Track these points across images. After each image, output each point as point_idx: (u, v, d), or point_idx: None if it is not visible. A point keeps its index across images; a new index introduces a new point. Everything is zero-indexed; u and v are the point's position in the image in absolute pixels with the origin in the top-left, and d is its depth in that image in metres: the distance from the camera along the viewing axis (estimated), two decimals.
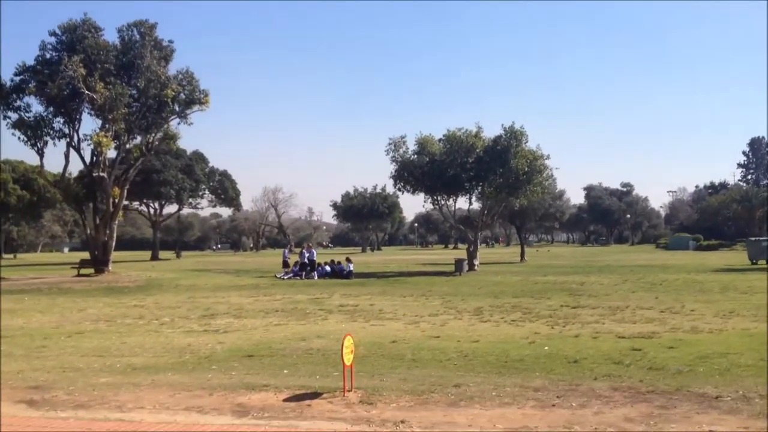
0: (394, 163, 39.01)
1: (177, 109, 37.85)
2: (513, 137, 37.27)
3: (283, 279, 34.01)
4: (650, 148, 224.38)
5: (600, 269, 38.84)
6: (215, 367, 10.19)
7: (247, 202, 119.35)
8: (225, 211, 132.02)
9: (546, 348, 11.48)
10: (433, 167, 37.76)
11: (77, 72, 33.51)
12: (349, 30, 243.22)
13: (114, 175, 37.84)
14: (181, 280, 33.40)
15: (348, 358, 7.68)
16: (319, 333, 13.84)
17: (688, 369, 9.46)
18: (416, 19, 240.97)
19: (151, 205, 74.70)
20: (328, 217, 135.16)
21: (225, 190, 76.24)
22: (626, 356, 10.53)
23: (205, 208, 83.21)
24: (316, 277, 34.18)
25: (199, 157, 74.79)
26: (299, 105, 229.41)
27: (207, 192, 76.86)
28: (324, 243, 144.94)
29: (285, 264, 38.73)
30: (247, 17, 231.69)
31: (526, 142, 37.93)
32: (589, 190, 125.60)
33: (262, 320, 16.46)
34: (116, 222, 38.75)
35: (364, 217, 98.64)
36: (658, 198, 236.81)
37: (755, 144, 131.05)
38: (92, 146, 35.95)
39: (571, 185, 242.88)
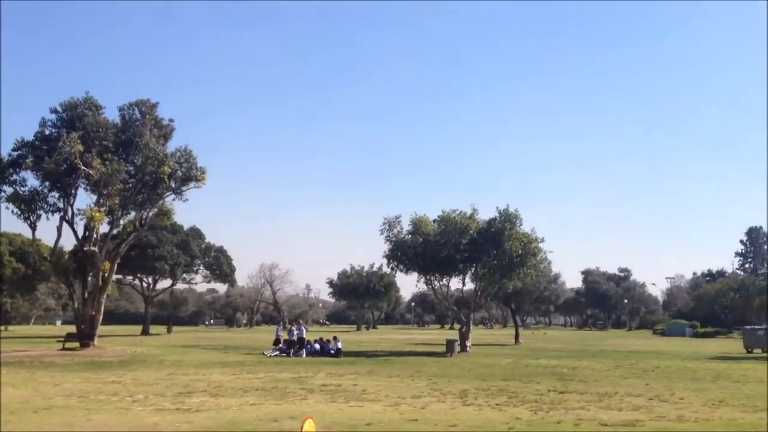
0: (388, 243, 39.00)
1: (173, 185, 38.14)
2: (507, 220, 37.43)
3: (270, 356, 33.54)
4: (649, 234, 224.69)
5: (594, 354, 38.28)
6: None
7: (242, 278, 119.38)
8: (221, 287, 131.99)
9: None
10: (426, 248, 37.74)
11: (74, 148, 33.91)
12: (348, 106, 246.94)
13: (105, 250, 37.70)
14: (167, 356, 32.83)
15: None
16: (293, 414, 13.43)
17: None
18: (418, 98, 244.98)
19: (145, 279, 74.20)
20: (324, 294, 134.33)
21: (220, 265, 76.03)
22: None
23: (199, 283, 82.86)
24: (304, 355, 33.68)
25: (195, 233, 74.78)
26: (298, 183, 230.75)
27: (202, 267, 76.59)
28: (321, 320, 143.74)
29: (277, 341, 38.21)
30: (246, 97, 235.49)
31: (521, 225, 38.14)
32: (587, 275, 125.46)
33: (239, 399, 16.03)
34: (104, 296, 38.41)
35: (359, 295, 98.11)
36: (657, 284, 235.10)
37: (753, 233, 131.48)
38: (85, 221, 36.06)
39: (569, 269, 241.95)
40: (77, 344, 36.74)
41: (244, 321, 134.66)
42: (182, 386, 18.98)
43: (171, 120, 39.04)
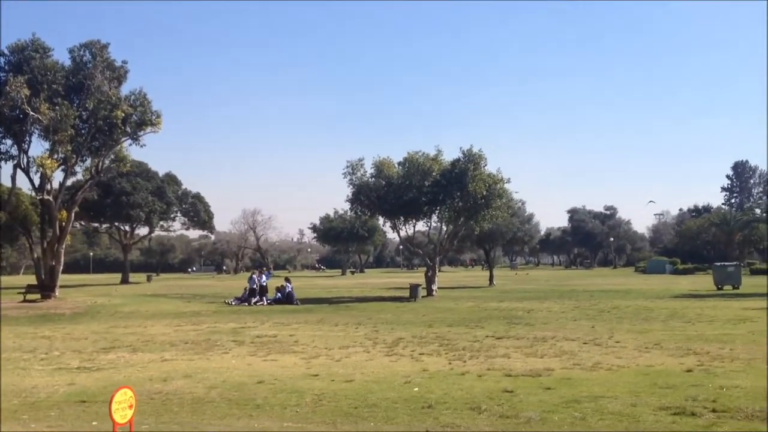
0: (351, 186, 38.15)
1: (128, 130, 37.07)
2: (470, 160, 36.55)
3: (232, 305, 33.09)
4: (637, 171, 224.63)
5: (561, 294, 38.00)
6: (26, 416, 9.22)
7: (226, 225, 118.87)
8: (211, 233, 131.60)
9: (415, 389, 10.56)
10: (389, 191, 36.95)
11: (20, 92, 32.72)
12: (332, 48, 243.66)
13: (61, 199, 36.86)
14: (124, 307, 32.29)
15: (122, 416, 6.68)
16: (196, 371, 12.86)
17: (541, 417, 8.56)
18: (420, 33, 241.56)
19: (122, 227, 73.46)
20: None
21: (197, 212, 75.22)
22: (492, 400, 9.63)
23: (177, 231, 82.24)
24: (265, 303, 33.21)
25: (171, 179, 73.83)
26: (283, 128, 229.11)
27: (179, 214, 75.79)
28: (316, 266, 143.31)
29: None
30: (225, 41, 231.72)
31: (485, 165, 37.21)
32: (573, 213, 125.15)
33: (157, 354, 15.46)
34: (63, 246, 37.67)
35: (343, 239, 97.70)
36: (643, 221, 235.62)
37: (739, 168, 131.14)
38: (37, 169, 35.07)
39: (557, 208, 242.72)
40: (38, 296, 36.24)
41: (234, 267, 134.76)
42: (111, 341, 18.43)
43: (124, 62, 37.64)
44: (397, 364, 13.41)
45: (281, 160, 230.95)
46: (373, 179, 37.84)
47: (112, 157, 38.36)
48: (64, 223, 37.02)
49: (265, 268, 40.84)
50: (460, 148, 37.27)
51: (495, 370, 12.29)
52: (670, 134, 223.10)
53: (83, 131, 36.09)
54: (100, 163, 38.14)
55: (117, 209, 66.97)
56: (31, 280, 56.59)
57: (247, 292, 34.12)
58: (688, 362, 13.15)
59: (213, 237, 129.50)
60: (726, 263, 43.30)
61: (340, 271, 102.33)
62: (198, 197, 76.14)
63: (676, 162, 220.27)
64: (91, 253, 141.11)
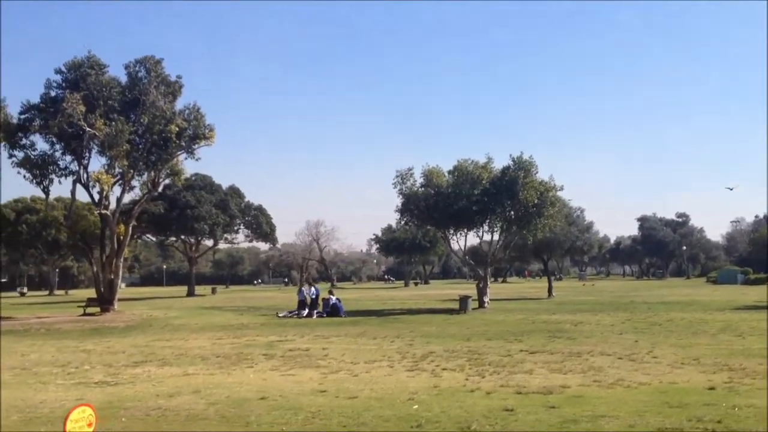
0: (400, 196, 37.99)
1: (183, 144, 37.83)
2: (521, 168, 35.97)
3: (280, 317, 33.26)
4: (712, 176, 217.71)
5: (618, 306, 36.94)
6: None
7: (291, 236, 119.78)
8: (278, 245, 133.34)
9: (414, 407, 10.29)
10: (438, 200, 36.65)
11: (76, 109, 33.74)
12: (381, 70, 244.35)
13: (118, 213, 37.83)
14: (178, 320, 32.89)
15: None
16: (209, 386, 12.85)
17: None
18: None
19: (187, 240, 75.12)
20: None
21: (260, 224, 76.18)
22: (487, 419, 9.30)
23: (241, 242, 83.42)
24: (314, 316, 33.24)
25: (234, 192, 75.08)
26: (345, 138, 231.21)
27: (242, 227, 77.00)
28: (386, 277, 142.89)
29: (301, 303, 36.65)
30: (286, 54, 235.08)
31: (536, 172, 36.57)
32: (643, 221, 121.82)
33: (183, 369, 15.54)
34: (122, 260, 38.63)
35: (405, 250, 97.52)
36: (719, 229, 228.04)
37: None
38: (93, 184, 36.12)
39: (626, 217, 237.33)
40: (98, 309, 37.19)
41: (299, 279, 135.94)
42: (146, 354, 18.67)
43: (179, 77, 38.58)
44: (413, 380, 13.16)
45: (344, 170, 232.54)
46: (422, 189, 37.60)
47: (168, 171, 38.96)
48: (122, 237, 37.91)
49: (311, 281, 40.56)
50: (510, 155, 36.82)
51: (508, 387, 11.91)
52: (745, 135, 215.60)
53: (139, 146, 36.96)
54: (157, 177, 38.93)
55: (182, 222, 68.54)
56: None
57: (299, 305, 34.25)
58: (717, 379, 12.52)
59: (279, 248, 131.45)
60: None
61: (404, 282, 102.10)
62: (260, 209, 77.15)
63: (754, 164, 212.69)
64: (165, 266, 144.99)
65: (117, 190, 38.36)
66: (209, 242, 79.23)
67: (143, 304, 49.39)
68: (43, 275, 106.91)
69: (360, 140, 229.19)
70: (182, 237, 74.45)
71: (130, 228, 39.16)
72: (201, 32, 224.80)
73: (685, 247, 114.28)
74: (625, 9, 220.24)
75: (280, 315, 34.30)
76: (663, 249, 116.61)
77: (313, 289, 35.55)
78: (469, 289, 75.85)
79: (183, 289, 79.79)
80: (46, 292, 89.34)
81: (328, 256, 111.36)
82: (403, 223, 38.67)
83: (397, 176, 37.99)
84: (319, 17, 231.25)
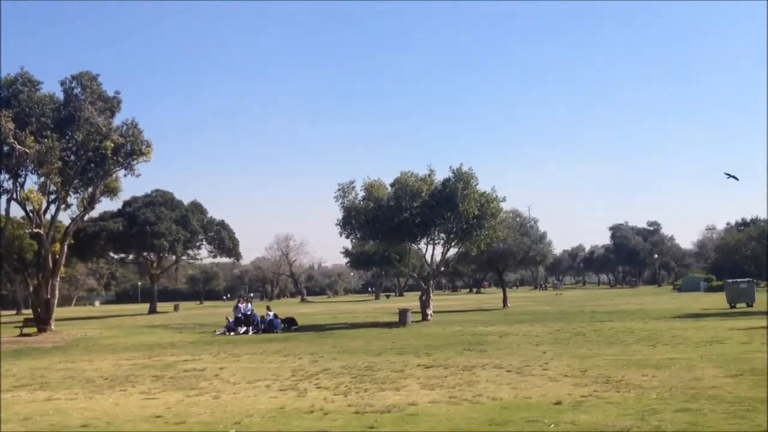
0: (341, 210, 37.58)
1: (120, 160, 37.24)
2: (460, 179, 35.69)
3: (216, 334, 32.70)
4: (684, 185, 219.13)
5: (562, 317, 36.64)
6: None
7: (260, 251, 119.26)
8: (245, 260, 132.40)
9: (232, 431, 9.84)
10: (379, 213, 36.27)
11: (4, 126, 33.12)
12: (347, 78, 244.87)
13: (53, 231, 37.12)
14: (110, 339, 32.14)
15: None
16: (48, 412, 12.27)
17: None
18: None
19: (148, 257, 74.32)
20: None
21: (222, 240, 75.51)
22: None
23: (204, 258, 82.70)
24: (250, 333, 32.65)
25: (196, 208, 74.44)
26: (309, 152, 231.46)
27: (204, 242, 76.25)
28: (370, 290, 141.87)
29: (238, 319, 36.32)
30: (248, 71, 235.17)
31: (477, 184, 36.32)
32: (615, 230, 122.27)
33: (53, 393, 14.92)
34: (57, 279, 37.90)
35: (375, 263, 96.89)
36: (690, 236, 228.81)
37: None
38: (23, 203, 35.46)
39: (599, 225, 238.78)
40: (35, 329, 36.42)
41: (276, 293, 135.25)
42: (33, 378, 17.99)
43: (117, 92, 38.01)
44: (271, 401, 12.66)
45: (312, 184, 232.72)
46: (362, 202, 37.23)
47: (103, 188, 38.27)
48: (57, 257, 37.21)
49: (246, 297, 40.08)
50: (450, 167, 36.56)
51: (353, 407, 11.45)
52: (718, 143, 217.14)
53: (74, 163, 36.31)
54: (94, 195, 38.24)
55: (142, 239, 67.84)
56: (70, 312, 56.77)
57: (233, 322, 33.68)
58: (580, 393, 12.13)
59: (248, 264, 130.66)
60: (739, 280, 41.23)
61: (375, 295, 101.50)
62: (222, 224, 76.47)
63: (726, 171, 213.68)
64: (139, 283, 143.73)
65: (53, 208, 37.63)
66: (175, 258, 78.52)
67: (91, 323, 48.64)
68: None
69: (328, 153, 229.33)
70: (143, 254, 73.63)
71: (65, 247, 38.31)
72: (164, 45, 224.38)
73: (656, 256, 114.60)
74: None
75: (216, 333, 33.71)
76: (635, 257, 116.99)
77: (249, 305, 35.04)
78: (442, 300, 75.76)
79: (146, 307, 78.91)
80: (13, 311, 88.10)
81: (299, 270, 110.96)
82: (344, 236, 38.21)
83: (338, 189, 37.66)
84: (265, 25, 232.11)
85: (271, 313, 34.03)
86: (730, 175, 38.16)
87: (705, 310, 37.35)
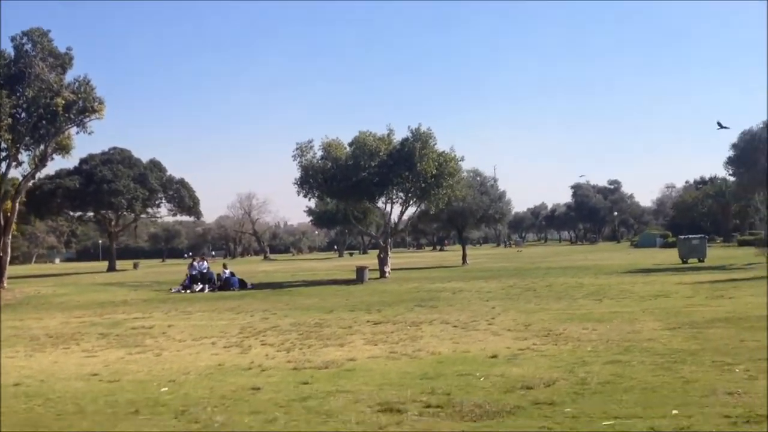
0: (299, 169, 37.32)
1: (71, 117, 36.48)
2: (418, 139, 35.63)
3: (172, 292, 32.54)
4: (645, 144, 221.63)
5: (517, 273, 37.14)
6: None
7: (223, 209, 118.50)
8: (209, 219, 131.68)
9: (163, 389, 9.78)
10: (337, 172, 36.12)
11: None
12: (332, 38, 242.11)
13: (3, 189, 36.42)
14: (64, 297, 31.81)
15: None
16: None
17: (224, 422, 7.77)
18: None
19: (106, 215, 73.38)
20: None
21: (182, 198, 74.74)
22: (223, 399, 8.86)
23: (164, 216, 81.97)
24: (206, 290, 32.51)
25: (154, 166, 73.49)
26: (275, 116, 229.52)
27: (164, 201, 75.46)
28: (335, 248, 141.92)
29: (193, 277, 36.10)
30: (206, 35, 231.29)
31: (435, 143, 36.32)
32: (576, 189, 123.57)
33: None
34: (9, 237, 37.26)
35: (338, 222, 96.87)
36: (650, 195, 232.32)
37: (746, 136, 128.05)
38: None
39: (562, 184, 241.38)
40: None
41: (239, 251, 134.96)
42: None
43: (69, 48, 37.03)
44: (214, 357, 12.63)
45: (277, 143, 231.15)
46: (321, 161, 37.01)
47: (55, 146, 37.50)
48: (8, 215, 36.56)
49: (202, 255, 39.93)
50: (408, 126, 36.48)
51: (292, 363, 11.49)
52: (679, 103, 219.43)
53: (24, 120, 35.50)
54: (45, 152, 37.48)
55: (99, 197, 66.94)
56: (29, 269, 55.75)
57: (189, 280, 33.52)
58: (518, 346, 12.30)
59: (216, 221, 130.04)
60: (691, 236, 42.07)
61: (338, 253, 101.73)
62: (182, 183, 75.61)
63: (687, 132, 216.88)
64: (100, 241, 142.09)
65: (4, 166, 36.82)
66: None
67: (47, 281, 48.05)
68: None
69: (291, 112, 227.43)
70: (101, 212, 72.68)
71: (17, 204, 37.64)
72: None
73: (615, 213, 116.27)
74: None
75: (172, 290, 33.55)
76: (595, 215, 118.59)
77: (204, 263, 34.91)
78: (404, 258, 76.21)
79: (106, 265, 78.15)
80: None
81: (263, 228, 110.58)
82: (302, 195, 37.99)
83: (296, 148, 37.35)
84: None
85: (227, 271, 33.90)
86: (721, 126, 38.86)
87: (657, 266, 38.07)
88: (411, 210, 41.56)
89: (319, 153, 37.32)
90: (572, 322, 15.68)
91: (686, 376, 8.96)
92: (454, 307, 20.73)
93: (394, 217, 41.07)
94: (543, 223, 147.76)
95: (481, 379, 9.33)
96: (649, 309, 17.74)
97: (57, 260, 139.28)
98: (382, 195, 37.48)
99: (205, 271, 33.86)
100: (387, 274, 37.17)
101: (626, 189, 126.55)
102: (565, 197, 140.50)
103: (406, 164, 35.33)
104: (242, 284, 33.44)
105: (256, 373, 10.72)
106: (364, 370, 10.58)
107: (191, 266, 34.54)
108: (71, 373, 11.50)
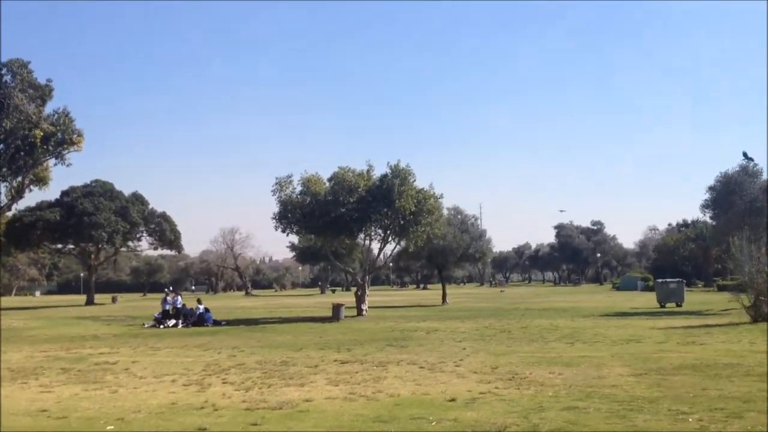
0: (278, 204, 37.19)
1: (50, 149, 36.37)
2: (397, 176, 35.68)
3: (146, 327, 32.11)
4: (629, 187, 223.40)
5: (496, 313, 36.98)
6: None
7: (206, 244, 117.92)
8: (193, 253, 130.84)
9: (109, 427, 9.54)
10: (315, 207, 36.02)
11: None
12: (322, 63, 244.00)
13: None
14: (34, 331, 31.40)
15: None
16: None
17: None
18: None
19: (86, 248, 72.69)
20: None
21: (163, 231, 74.20)
22: None
23: (145, 250, 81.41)
24: (179, 326, 32.13)
25: (136, 199, 72.96)
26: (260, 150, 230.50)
27: (145, 234, 74.94)
28: (319, 284, 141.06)
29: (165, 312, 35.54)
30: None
31: (414, 180, 36.36)
32: (560, 229, 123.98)
33: None
34: None
35: (321, 258, 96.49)
36: (632, 236, 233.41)
37: (722, 179, 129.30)
38: None
39: (545, 223, 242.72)
40: None
41: (222, 286, 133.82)
42: None
43: (49, 80, 37.25)
44: (170, 396, 12.39)
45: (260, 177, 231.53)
46: (299, 196, 36.92)
47: (32, 177, 37.32)
48: None
49: (173, 291, 39.26)
50: (388, 163, 36.54)
51: (247, 402, 11.28)
52: (661, 147, 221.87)
53: (3, 151, 35.35)
54: (23, 183, 37.27)
55: (79, 229, 66.25)
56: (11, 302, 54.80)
57: (160, 314, 33.13)
58: (479, 389, 12.16)
59: (199, 256, 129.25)
60: (669, 280, 42.10)
61: (320, 289, 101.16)
62: (164, 216, 75.11)
63: (671, 174, 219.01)
64: (82, 274, 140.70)
65: None
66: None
67: (22, 313, 47.44)
68: None
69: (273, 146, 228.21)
70: (80, 245, 72.00)
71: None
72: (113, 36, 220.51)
73: (599, 255, 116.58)
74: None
75: (145, 325, 33.11)
76: (578, 256, 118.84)
77: (178, 298, 34.53)
78: (385, 295, 75.79)
79: (83, 298, 77.24)
80: None
81: (245, 263, 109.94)
82: (280, 230, 37.75)
83: (276, 183, 37.25)
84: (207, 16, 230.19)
85: (202, 307, 33.53)
86: (747, 157, 39.31)
87: (634, 309, 38.03)
88: (390, 247, 41.50)
89: (299, 188, 37.22)
90: (540, 366, 15.53)
91: (638, 425, 8.83)
92: (424, 347, 20.52)
93: (374, 253, 40.91)
94: (527, 263, 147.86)
95: (433, 423, 9.17)
96: (618, 354, 17.60)
97: (37, 293, 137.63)
98: (360, 231, 37.34)
99: (179, 306, 33.46)
100: (364, 312, 36.90)
101: (609, 230, 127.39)
102: (549, 237, 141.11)
103: (385, 201, 35.30)
104: (216, 323, 33.07)
105: (207, 413, 10.50)
106: (318, 411, 10.37)
107: (164, 301, 34.16)
108: (20, 409, 11.25)
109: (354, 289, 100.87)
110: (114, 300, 74.30)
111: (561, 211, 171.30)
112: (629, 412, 9.76)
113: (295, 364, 16.80)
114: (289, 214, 36.86)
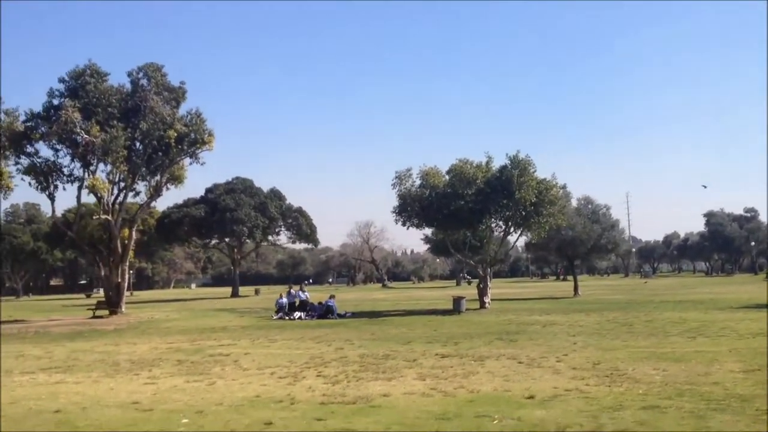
0: (397, 197, 37.42)
1: (184, 149, 38.22)
2: (516, 167, 34.97)
3: (274, 320, 33.25)
4: None
5: (627, 306, 35.56)
6: None
7: (343, 237, 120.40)
8: (335, 246, 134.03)
9: (184, 420, 9.89)
10: (434, 200, 35.97)
11: (71, 117, 34.46)
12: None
13: (121, 218, 38.48)
14: (172, 323, 33.06)
15: None
16: (40, 396, 12.63)
17: None
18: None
19: (230, 242, 76.36)
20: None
21: (299, 226, 76.62)
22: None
23: (284, 244, 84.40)
24: (303, 318, 33.04)
25: (274, 195, 75.76)
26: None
27: (283, 228, 77.66)
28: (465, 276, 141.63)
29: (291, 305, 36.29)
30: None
31: (534, 171, 35.51)
32: (710, 217, 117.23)
33: (68, 376, 15.49)
34: (127, 264, 39.29)
35: (457, 250, 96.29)
36: None
37: None
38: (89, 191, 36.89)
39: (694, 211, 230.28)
40: (107, 312, 37.96)
41: (362, 278, 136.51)
42: (64, 360, 18.67)
43: (182, 82, 38.98)
44: (262, 388, 12.72)
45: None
46: (418, 189, 36.98)
47: (168, 176, 39.35)
48: (126, 242, 38.59)
49: (302, 285, 40.45)
50: (507, 154, 35.89)
51: (327, 396, 11.40)
52: None
53: (139, 152, 37.48)
54: (160, 182, 39.40)
55: (222, 225, 69.67)
56: (166, 294, 57.98)
57: (287, 307, 34.20)
58: (566, 386, 11.74)
59: (339, 249, 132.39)
60: None
61: (455, 281, 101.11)
62: (300, 211, 77.53)
63: None
64: (232, 267, 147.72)
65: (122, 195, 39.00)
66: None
67: (167, 306, 50.24)
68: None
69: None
70: (225, 239, 75.76)
71: (134, 232, 39.70)
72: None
73: (753, 243, 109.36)
74: None
75: (274, 317, 34.28)
76: (730, 245, 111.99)
77: (301, 292, 35.55)
78: (529, 287, 74.69)
79: (243, 290, 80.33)
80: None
81: (380, 255, 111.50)
82: (400, 223, 37.97)
83: (395, 177, 37.51)
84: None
85: (331, 301, 34.23)
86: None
87: None
88: (512, 239, 40.80)
89: (418, 181, 37.27)
90: (647, 362, 14.81)
91: (712, 427, 8.20)
92: (534, 341, 20.04)
93: (495, 246, 40.40)
94: (675, 253, 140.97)
95: (495, 422, 8.89)
96: (738, 349, 16.51)
97: (193, 285, 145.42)
98: (479, 223, 36.87)
99: (305, 299, 34.45)
100: (486, 305, 36.50)
101: (764, 217, 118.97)
102: (698, 225, 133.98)
103: (504, 192, 34.70)
104: (340, 314, 33.81)
105: (283, 407, 10.69)
106: (388, 407, 10.32)
107: (289, 294, 35.25)
108: (117, 401, 11.84)
109: (494, 280, 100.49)
110: (257, 292, 77.42)
111: (703, 186, 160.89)
112: (712, 411, 9.10)
113: (395, 358, 16.82)
114: (409, 208, 37.02)
